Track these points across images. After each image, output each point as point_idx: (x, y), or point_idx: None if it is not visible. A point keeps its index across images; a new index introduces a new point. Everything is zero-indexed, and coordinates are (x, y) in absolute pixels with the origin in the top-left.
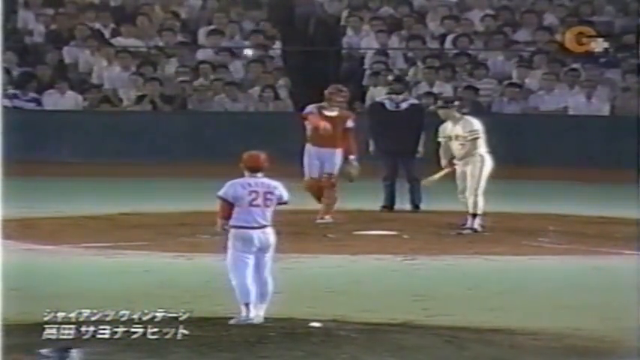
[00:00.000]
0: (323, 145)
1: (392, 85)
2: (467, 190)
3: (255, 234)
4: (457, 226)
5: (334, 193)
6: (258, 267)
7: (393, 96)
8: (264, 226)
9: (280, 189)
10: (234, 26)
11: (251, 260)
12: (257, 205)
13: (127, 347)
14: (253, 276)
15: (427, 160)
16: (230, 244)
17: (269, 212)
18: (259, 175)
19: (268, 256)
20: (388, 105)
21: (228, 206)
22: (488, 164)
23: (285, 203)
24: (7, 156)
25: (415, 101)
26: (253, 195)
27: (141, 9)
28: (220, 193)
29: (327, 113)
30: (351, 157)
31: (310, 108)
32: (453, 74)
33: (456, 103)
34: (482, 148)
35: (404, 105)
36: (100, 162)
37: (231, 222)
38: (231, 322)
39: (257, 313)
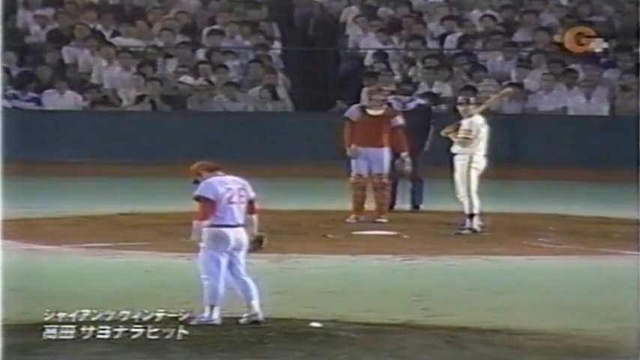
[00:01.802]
0: (369, 144)
1: (400, 85)
2: (459, 191)
3: (231, 233)
4: (457, 227)
5: (386, 193)
6: (233, 267)
7: (400, 96)
8: (238, 225)
9: (248, 186)
10: (235, 26)
11: (224, 260)
12: (233, 203)
13: (128, 347)
14: (227, 277)
15: (434, 160)
16: (204, 243)
17: (242, 210)
18: (221, 173)
19: (242, 256)
20: (395, 105)
21: (210, 205)
22: (477, 165)
23: (252, 202)
24: (7, 156)
25: (422, 101)
26: (230, 192)
27: (144, 10)
28: (200, 193)
29: (372, 112)
30: (403, 154)
31: (353, 109)
32: (451, 74)
33: (472, 99)
34: (473, 148)
35: (411, 105)
36: (100, 162)
37: (207, 221)
38: (192, 322)
39: (256, 311)
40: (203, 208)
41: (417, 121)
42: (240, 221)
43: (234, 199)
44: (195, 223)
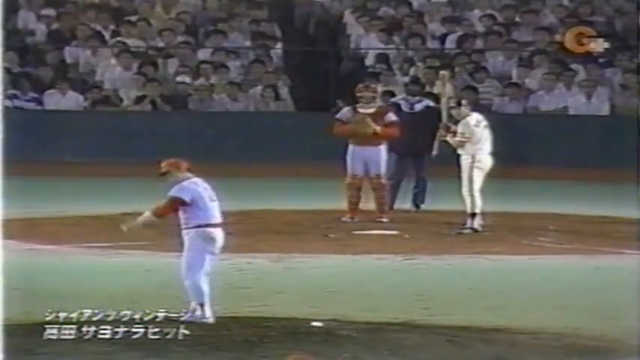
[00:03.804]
0: (364, 143)
1: (408, 86)
2: (464, 189)
3: (217, 232)
4: (458, 226)
5: (385, 192)
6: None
7: (409, 97)
8: (220, 224)
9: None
10: (235, 26)
11: (208, 260)
12: (214, 200)
13: (129, 347)
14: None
15: (441, 161)
16: (190, 244)
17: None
18: (190, 175)
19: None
20: (403, 106)
21: (176, 207)
22: (480, 164)
23: None
24: (8, 156)
25: (430, 103)
26: (207, 191)
27: (143, 10)
28: (176, 194)
29: (363, 111)
30: None
31: (345, 110)
32: (453, 74)
33: (464, 102)
34: (474, 148)
35: (418, 106)
36: (101, 162)
37: (193, 221)
38: (185, 318)
39: (199, 314)
40: (170, 207)
41: (424, 122)
42: (220, 220)
43: (213, 197)
44: (147, 215)
